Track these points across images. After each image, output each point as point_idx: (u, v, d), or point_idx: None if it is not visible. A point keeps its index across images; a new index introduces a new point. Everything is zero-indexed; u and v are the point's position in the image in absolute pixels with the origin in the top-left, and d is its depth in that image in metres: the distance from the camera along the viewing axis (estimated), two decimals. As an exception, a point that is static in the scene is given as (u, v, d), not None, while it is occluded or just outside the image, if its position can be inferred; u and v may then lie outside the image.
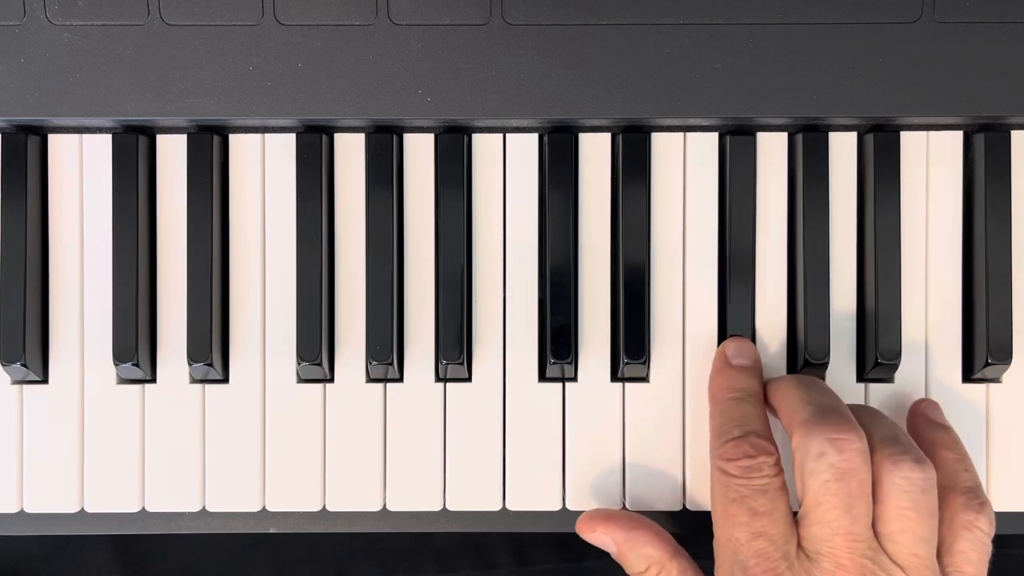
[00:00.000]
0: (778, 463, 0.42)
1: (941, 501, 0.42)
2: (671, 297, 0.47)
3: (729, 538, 0.41)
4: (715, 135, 0.47)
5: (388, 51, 0.45)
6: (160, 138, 0.48)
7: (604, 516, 0.45)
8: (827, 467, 0.40)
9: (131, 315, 0.46)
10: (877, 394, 0.47)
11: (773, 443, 0.42)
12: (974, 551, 0.42)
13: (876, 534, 0.40)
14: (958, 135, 0.48)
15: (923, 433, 0.45)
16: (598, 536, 0.45)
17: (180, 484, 0.47)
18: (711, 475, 0.43)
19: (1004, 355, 0.46)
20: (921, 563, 0.40)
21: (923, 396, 0.47)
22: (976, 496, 0.43)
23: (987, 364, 0.46)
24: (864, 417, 0.43)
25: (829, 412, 0.41)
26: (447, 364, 0.46)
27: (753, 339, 0.47)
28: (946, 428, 0.45)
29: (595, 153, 0.47)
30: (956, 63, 0.45)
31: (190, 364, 0.46)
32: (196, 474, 0.47)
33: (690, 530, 0.47)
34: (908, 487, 0.40)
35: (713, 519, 0.43)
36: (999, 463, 0.47)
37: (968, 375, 0.48)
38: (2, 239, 0.46)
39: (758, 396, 0.45)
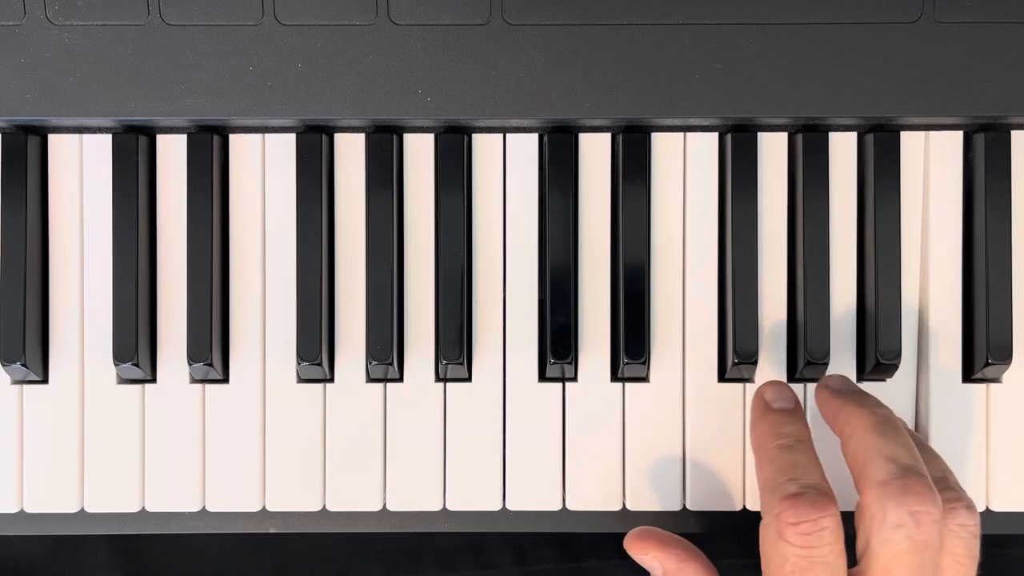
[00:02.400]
0: (839, 523, 0.38)
1: None
2: (671, 297, 0.47)
3: None
4: (715, 135, 0.47)
5: (388, 51, 0.45)
6: (160, 138, 0.48)
7: (660, 540, 0.43)
8: (904, 539, 0.37)
9: (131, 315, 0.46)
10: (877, 394, 0.47)
11: (831, 493, 0.39)
12: (963, 549, 0.39)
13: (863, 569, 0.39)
14: (958, 135, 0.48)
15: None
16: (649, 560, 0.43)
17: (180, 484, 0.47)
18: (764, 532, 0.40)
19: (1004, 355, 0.46)
20: None
21: (923, 396, 0.47)
22: (948, 491, 0.40)
23: (987, 364, 0.46)
24: (875, 432, 0.41)
25: (910, 476, 0.38)
26: (447, 364, 0.46)
27: (754, 339, 0.46)
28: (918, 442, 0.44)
29: (595, 153, 0.47)
30: (956, 63, 0.45)
31: (190, 364, 0.46)
32: (196, 474, 0.47)
33: (691, 531, 0.47)
34: (964, 534, 0.39)
35: (764, 572, 0.40)
36: (999, 463, 0.47)
37: (968, 375, 0.48)
38: (2, 239, 0.46)
39: (808, 441, 0.42)
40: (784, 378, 0.47)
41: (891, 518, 0.38)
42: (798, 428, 0.43)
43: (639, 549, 0.44)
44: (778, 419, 0.43)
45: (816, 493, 0.39)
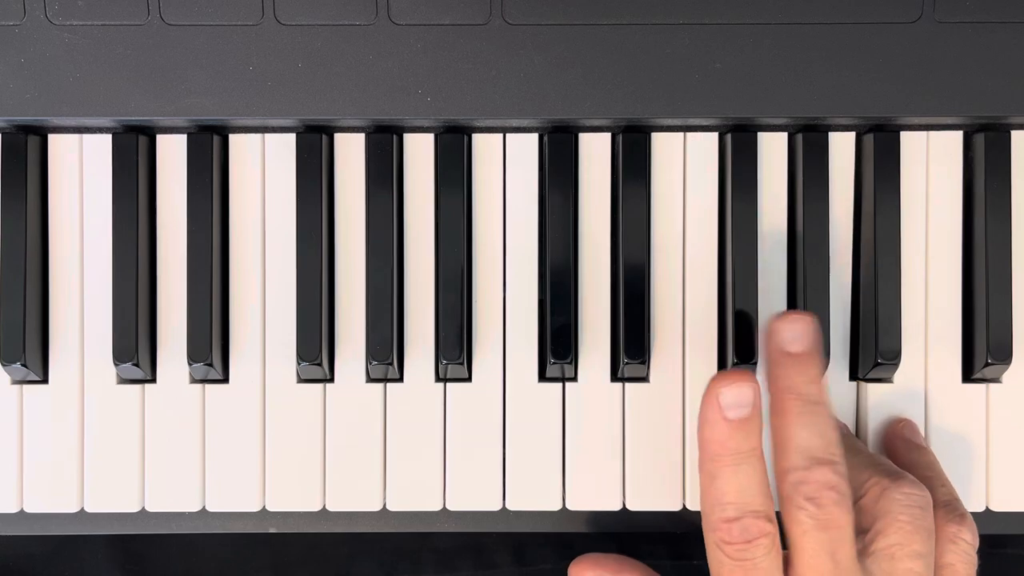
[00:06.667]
0: (774, 539, 0.40)
1: None
2: (671, 297, 0.47)
3: None
4: (715, 135, 0.47)
5: (388, 51, 0.45)
6: (160, 138, 0.48)
7: (592, 561, 0.45)
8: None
9: (131, 315, 0.46)
10: (877, 394, 0.47)
11: (772, 517, 0.40)
12: (961, 563, 0.42)
13: (874, 550, 0.41)
14: (958, 135, 0.48)
15: (900, 454, 0.46)
16: None
17: (180, 484, 0.47)
18: (705, 536, 0.41)
19: (1004, 355, 0.46)
20: None
21: (923, 396, 0.47)
22: (956, 509, 0.43)
23: (987, 364, 0.46)
24: (862, 451, 0.44)
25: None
26: (447, 364, 0.46)
27: (753, 340, 0.46)
28: (923, 449, 0.46)
29: (595, 153, 0.47)
30: (956, 63, 0.45)
31: (190, 364, 0.46)
32: (196, 474, 0.47)
33: (690, 530, 0.47)
34: (907, 502, 0.41)
35: (710, 571, 0.42)
36: (999, 463, 0.47)
37: (968, 375, 0.48)
38: (2, 239, 0.46)
39: (758, 455, 0.40)
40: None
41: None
42: (750, 442, 0.40)
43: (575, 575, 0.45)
44: (730, 433, 0.40)
45: (751, 518, 0.39)
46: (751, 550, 0.40)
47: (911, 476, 0.42)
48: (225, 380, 0.48)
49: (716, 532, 0.40)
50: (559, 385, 0.47)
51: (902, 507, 0.41)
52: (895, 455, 0.46)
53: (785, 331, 0.42)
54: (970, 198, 0.48)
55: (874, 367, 0.46)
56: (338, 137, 0.48)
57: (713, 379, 0.41)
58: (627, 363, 0.46)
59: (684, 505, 0.47)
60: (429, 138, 0.48)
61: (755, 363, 0.46)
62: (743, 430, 0.40)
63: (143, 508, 0.48)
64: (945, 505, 0.43)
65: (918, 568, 0.40)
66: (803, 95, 0.45)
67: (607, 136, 0.47)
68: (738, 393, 0.41)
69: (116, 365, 0.47)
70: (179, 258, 0.47)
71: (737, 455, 0.40)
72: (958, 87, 0.45)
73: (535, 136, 0.47)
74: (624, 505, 0.47)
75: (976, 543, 0.43)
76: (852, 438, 0.46)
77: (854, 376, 0.48)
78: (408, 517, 0.48)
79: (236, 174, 0.48)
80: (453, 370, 0.47)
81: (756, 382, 0.41)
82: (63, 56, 0.45)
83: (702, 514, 0.41)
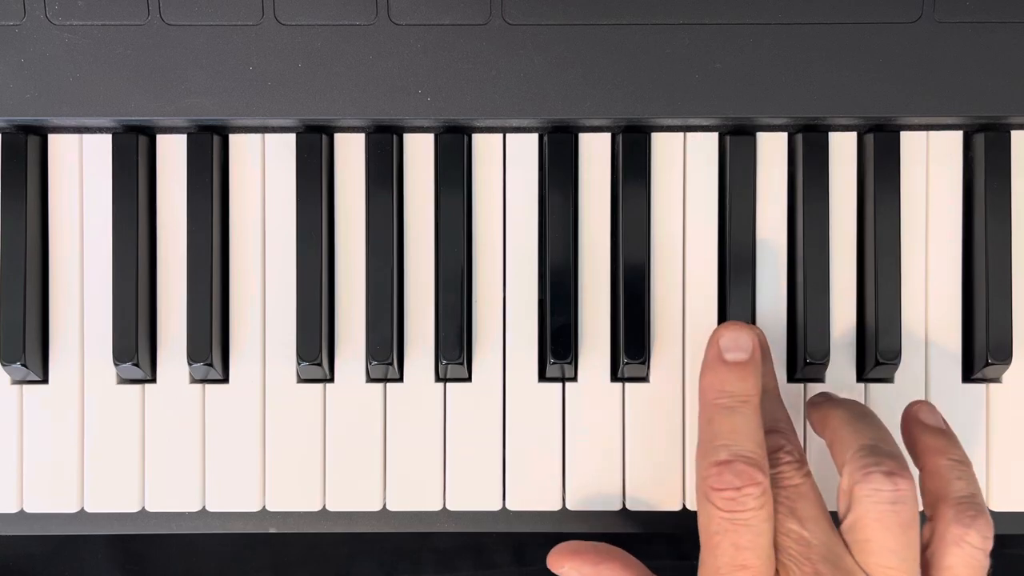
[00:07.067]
0: (765, 491, 0.39)
1: (933, 512, 0.41)
2: (671, 297, 0.47)
3: (713, 565, 0.39)
4: (715, 135, 0.47)
5: (388, 51, 0.45)
6: (160, 138, 0.48)
7: (571, 551, 0.44)
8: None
9: (131, 315, 0.46)
10: (877, 394, 0.47)
11: (761, 462, 0.40)
12: (964, 567, 0.40)
13: (850, 541, 0.40)
14: (958, 135, 0.48)
15: (917, 440, 0.43)
16: (567, 571, 0.44)
17: (180, 484, 0.47)
18: (696, 490, 0.41)
19: (1004, 355, 0.46)
20: (893, 574, 0.39)
21: (923, 396, 0.47)
22: (969, 508, 0.40)
23: (987, 364, 0.46)
24: (851, 422, 0.42)
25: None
26: (447, 364, 0.46)
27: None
28: (939, 431, 0.43)
29: (595, 153, 0.47)
30: (956, 63, 0.45)
31: (190, 364, 0.46)
32: (196, 474, 0.47)
33: (690, 530, 0.47)
34: (875, 499, 0.39)
35: (699, 534, 0.41)
36: (999, 463, 0.47)
37: (968, 375, 0.48)
38: (2, 239, 0.46)
39: (752, 402, 0.41)
40: (784, 378, 0.47)
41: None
42: (745, 386, 0.41)
43: (556, 564, 0.44)
44: (727, 375, 0.42)
45: (744, 463, 0.39)
46: (741, 499, 0.38)
47: (886, 465, 0.39)
48: (225, 380, 0.48)
49: (707, 480, 0.39)
50: (559, 385, 0.47)
51: (870, 504, 0.39)
52: (912, 441, 0.43)
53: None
54: (970, 198, 0.48)
55: (875, 367, 0.46)
56: (338, 137, 0.48)
57: (715, 328, 0.43)
58: (627, 363, 0.46)
59: (684, 505, 0.47)
60: (429, 138, 0.48)
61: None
62: (739, 373, 0.42)
63: (143, 508, 0.48)
64: (958, 503, 0.40)
65: (892, 563, 0.39)
66: (803, 95, 0.45)
67: (607, 136, 0.47)
68: (737, 336, 0.43)
69: (116, 365, 0.47)
70: (179, 258, 0.47)
71: (733, 398, 0.41)
72: (958, 87, 0.45)
73: (535, 136, 0.47)
74: (624, 505, 0.47)
75: (987, 546, 0.40)
76: (851, 416, 0.44)
77: (860, 377, 0.48)
78: (408, 517, 0.48)
79: (236, 174, 0.48)
80: (453, 370, 0.47)
81: (757, 332, 0.43)
82: (63, 56, 0.45)
83: (696, 468, 0.41)
